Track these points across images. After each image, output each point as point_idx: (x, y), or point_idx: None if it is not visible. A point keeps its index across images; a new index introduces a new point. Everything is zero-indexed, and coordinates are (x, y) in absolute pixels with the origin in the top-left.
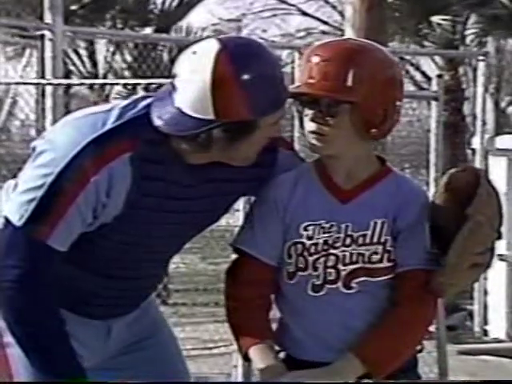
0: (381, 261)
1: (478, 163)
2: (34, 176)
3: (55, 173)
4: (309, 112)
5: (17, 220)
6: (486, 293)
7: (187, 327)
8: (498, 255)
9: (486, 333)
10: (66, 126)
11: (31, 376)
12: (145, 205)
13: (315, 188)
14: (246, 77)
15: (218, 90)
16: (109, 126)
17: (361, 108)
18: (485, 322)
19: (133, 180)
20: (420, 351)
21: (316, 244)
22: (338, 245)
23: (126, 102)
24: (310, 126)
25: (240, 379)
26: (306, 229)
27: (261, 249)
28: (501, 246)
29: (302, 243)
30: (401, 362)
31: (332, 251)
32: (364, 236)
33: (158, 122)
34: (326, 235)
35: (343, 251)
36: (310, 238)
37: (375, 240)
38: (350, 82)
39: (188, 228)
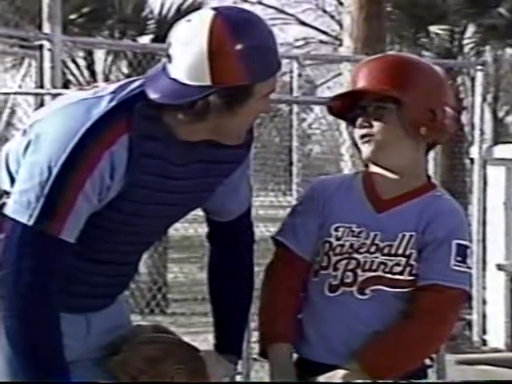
0: (402, 273)
1: (476, 173)
2: (36, 171)
3: (58, 165)
4: (357, 123)
5: (26, 220)
6: (484, 302)
7: (186, 337)
8: (497, 265)
9: (484, 342)
10: (59, 114)
11: (11, 372)
12: (143, 183)
13: (356, 194)
14: (241, 41)
15: (215, 56)
16: (103, 110)
17: (406, 106)
18: (483, 331)
19: (132, 158)
20: (430, 366)
21: (342, 246)
22: (362, 250)
23: (114, 86)
24: (359, 132)
25: None
26: (336, 229)
27: (298, 242)
28: (499, 256)
29: (330, 243)
30: (404, 373)
31: (355, 255)
32: (390, 246)
33: (154, 96)
34: (354, 239)
35: (365, 257)
36: (338, 239)
37: (400, 252)
38: (394, 83)
39: (178, 209)
